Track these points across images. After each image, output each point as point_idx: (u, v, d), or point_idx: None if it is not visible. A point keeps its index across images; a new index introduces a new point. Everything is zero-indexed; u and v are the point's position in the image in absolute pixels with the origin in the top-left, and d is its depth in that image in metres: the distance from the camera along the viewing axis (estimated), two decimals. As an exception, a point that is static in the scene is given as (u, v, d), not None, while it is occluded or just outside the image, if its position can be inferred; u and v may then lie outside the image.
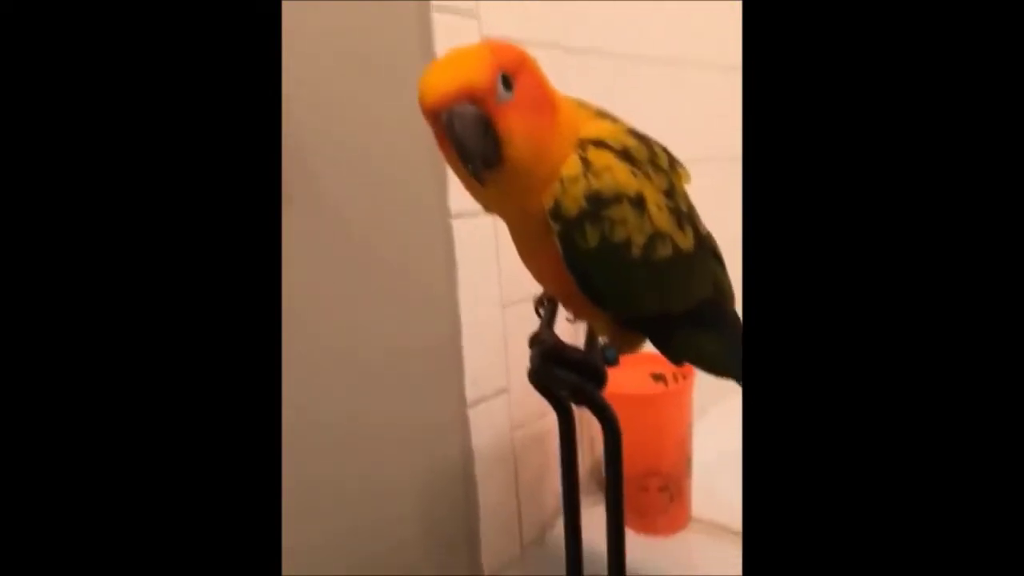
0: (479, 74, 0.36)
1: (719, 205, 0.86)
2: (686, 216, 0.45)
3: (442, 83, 0.36)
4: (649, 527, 0.81)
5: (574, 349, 0.46)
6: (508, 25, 0.75)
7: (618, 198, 0.40)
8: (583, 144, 0.41)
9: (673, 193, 0.44)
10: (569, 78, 0.83)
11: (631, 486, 0.80)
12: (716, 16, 1.10)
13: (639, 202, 0.41)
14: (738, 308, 0.52)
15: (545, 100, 0.40)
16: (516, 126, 0.37)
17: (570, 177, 0.39)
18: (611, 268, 0.41)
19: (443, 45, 0.68)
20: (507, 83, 0.37)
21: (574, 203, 0.39)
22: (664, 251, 0.42)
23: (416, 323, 0.71)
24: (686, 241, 0.44)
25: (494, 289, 0.77)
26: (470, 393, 0.75)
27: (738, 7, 1.17)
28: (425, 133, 0.69)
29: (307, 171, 0.59)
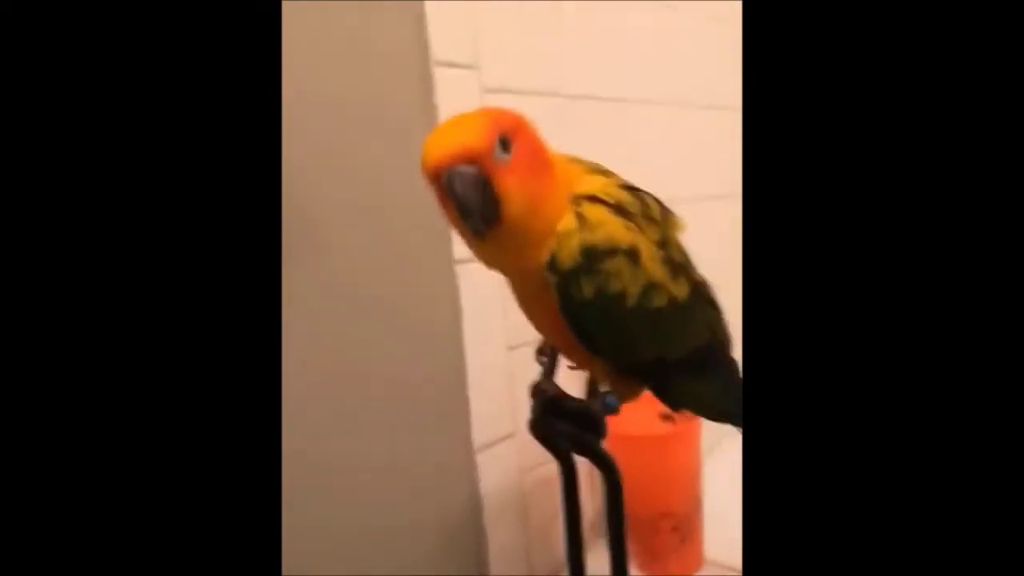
0: (477, 136, 0.38)
1: (717, 243, 0.86)
2: (679, 266, 0.46)
3: (443, 145, 0.38)
4: (662, 570, 0.80)
5: (574, 399, 0.46)
6: (508, 76, 0.77)
7: (612, 251, 0.41)
8: (577, 200, 0.42)
9: (666, 244, 0.45)
10: (568, 124, 0.85)
11: (643, 528, 0.80)
12: (710, 59, 1.12)
13: (633, 254, 0.42)
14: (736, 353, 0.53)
15: (541, 161, 0.41)
16: (513, 185, 0.39)
17: (566, 231, 0.41)
18: (607, 318, 0.42)
19: (445, 98, 0.70)
20: (505, 145, 0.39)
21: (570, 256, 0.40)
22: (659, 301, 0.43)
23: (422, 369, 0.71)
24: (680, 290, 0.45)
25: (500, 332, 0.78)
26: (477, 438, 0.76)
27: (729, 50, 1.19)
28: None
29: (313, 223, 0.61)
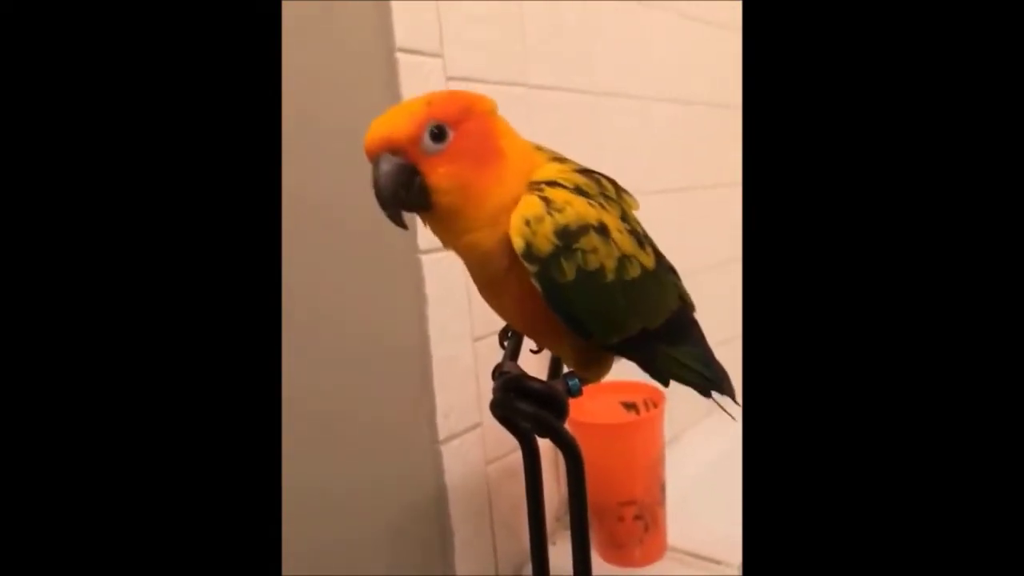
0: (400, 127, 0.39)
1: (677, 233, 0.87)
2: (643, 236, 0.47)
3: (371, 134, 0.39)
4: (627, 559, 0.81)
5: (536, 380, 0.46)
6: (473, 64, 0.77)
7: (584, 228, 0.42)
8: (539, 185, 0.42)
9: (627, 218, 0.46)
10: (532, 113, 0.86)
11: (608, 517, 0.80)
12: (673, 53, 1.14)
13: (603, 229, 0.43)
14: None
15: (487, 148, 0.41)
16: (444, 175, 0.40)
17: (536, 217, 0.41)
18: (591, 296, 0.43)
19: (409, 86, 0.70)
20: (439, 134, 0.39)
21: (546, 241, 0.41)
22: (633, 271, 0.44)
23: (386, 361, 0.71)
24: (648, 260, 0.46)
25: (465, 323, 0.78)
26: (442, 429, 0.75)
27: (693, 43, 1.21)
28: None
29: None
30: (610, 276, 0.42)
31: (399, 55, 0.69)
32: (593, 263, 0.42)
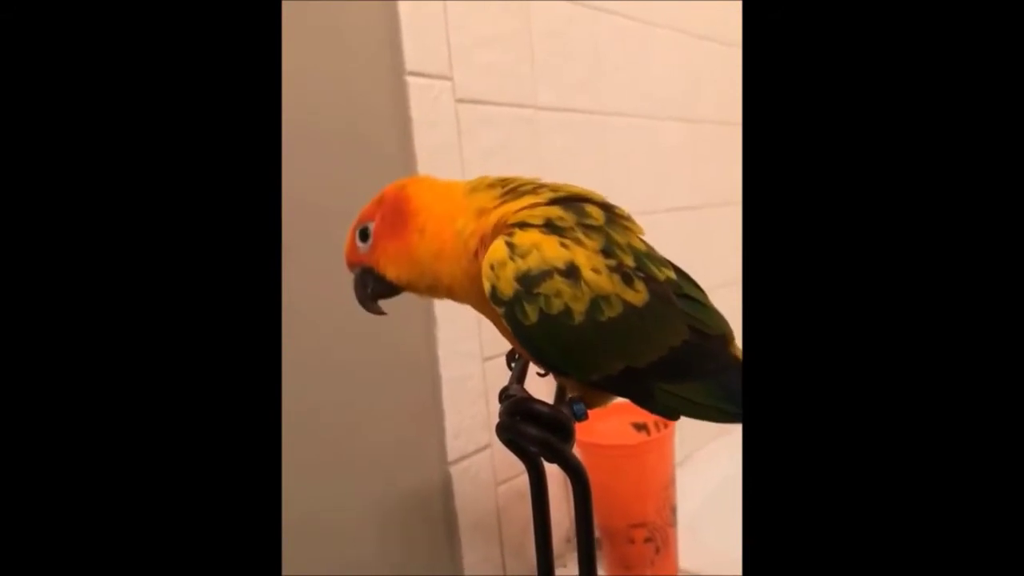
0: (346, 245, 0.48)
1: (686, 252, 0.87)
2: (634, 271, 0.45)
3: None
4: (637, 581, 0.80)
5: (542, 403, 0.46)
6: (481, 87, 0.78)
7: (547, 273, 0.42)
8: (509, 229, 0.43)
9: (612, 250, 0.45)
10: (540, 134, 0.86)
11: (618, 539, 0.79)
12: (680, 72, 1.15)
13: (571, 272, 0.42)
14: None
15: (397, 219, 0.46)
16: (381, 260, 0.46)
17: (499, 262, 0.42)
18: (557, 338, 0.43)
19: (419, 108, 0.71)
20: (364, 232, 0.47)
21: (508, 286, 0.42)
22: (611, 311, 0.43)
23: (395, 382, 0.71)
24: (636, 296, 0.44)
25: (474, 343, 0.78)
26: (452, 451, 0.75)
27: (700, 62, 1.21)
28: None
29: (285, 236, 0.60)
30: (578, 318, 0.42)
31: (409, 78, 0.70)
32: (556, 306, 0.42)
